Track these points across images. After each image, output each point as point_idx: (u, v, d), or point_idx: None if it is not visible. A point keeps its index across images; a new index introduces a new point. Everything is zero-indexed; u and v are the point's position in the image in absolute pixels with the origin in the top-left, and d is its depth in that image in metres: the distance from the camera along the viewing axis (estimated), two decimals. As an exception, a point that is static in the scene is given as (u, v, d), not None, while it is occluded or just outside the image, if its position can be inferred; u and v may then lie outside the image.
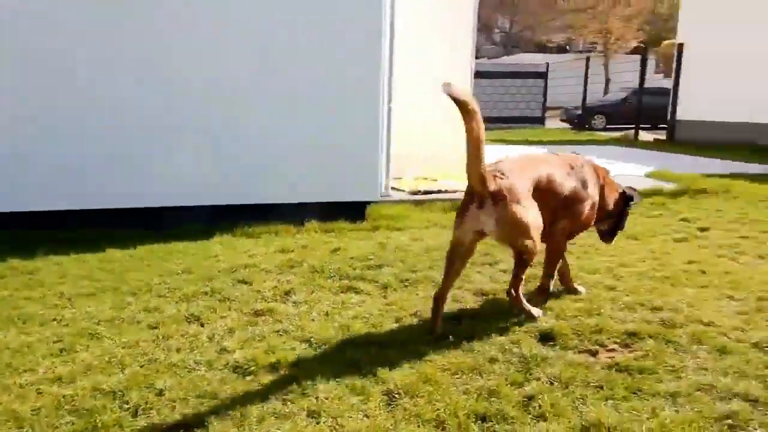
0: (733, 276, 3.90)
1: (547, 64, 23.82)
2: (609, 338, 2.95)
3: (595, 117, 24.64)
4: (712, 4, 14.67)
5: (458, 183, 7.20)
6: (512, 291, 3.12)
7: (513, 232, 3.01)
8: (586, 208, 3.42)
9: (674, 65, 15.49)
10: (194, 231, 5.23)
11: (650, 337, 2.94)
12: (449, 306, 3.36)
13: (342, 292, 3.73)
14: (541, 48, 42.56)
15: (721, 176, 7.70)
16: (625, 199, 3.69)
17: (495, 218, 2.97)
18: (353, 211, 5.91)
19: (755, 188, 6.83)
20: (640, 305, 3.37)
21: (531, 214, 3.04)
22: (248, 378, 2.62)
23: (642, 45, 27.59)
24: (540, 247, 3.15)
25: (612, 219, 3.70)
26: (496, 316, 3.26)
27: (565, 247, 3.50)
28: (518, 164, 3.21)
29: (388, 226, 5.63)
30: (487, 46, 54.60)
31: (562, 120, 25.94)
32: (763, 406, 2.32)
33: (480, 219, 3.01)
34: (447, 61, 7.72)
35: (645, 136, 17.09)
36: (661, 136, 16.60)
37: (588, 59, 21.37)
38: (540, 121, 23.39)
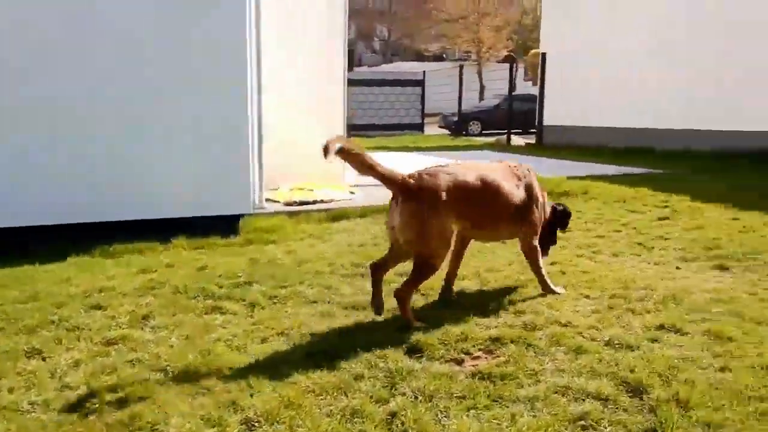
0: (590, 275, 4.09)
1: (424, 72, 24.43)
2: (474, 345, 2.98)
3: (471, 123, 25.60)
4: (570, 17, 15.67)
5: (335, 192, 7.16)
6: (401, 295, 3.13)
7: (407, 232, 3.05)
8: (537, 213, 3.64)
9: (539, 73, 16.35)
10: (45, 253, 4.80)
11: (512, 341, 2.99)
12: (316, 324, 3.29)
13: (206, 314, 3.54)
14: (419, 56, 43.72)
15: (582, 178, 8.16)
16: (555, 213, 3.92)
17: (399, 214, 2.99)
18: (225, 226, 5.68)
19: (611, 189, 7.29)
20: (504, 310, 3.44)
21: (435, 221, 3.04)
22: (90, 417, 2.38)
23: (511, 54, 29.02)
24: (441, 260, 3.20)
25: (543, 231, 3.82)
26: (365, 330, 3.21)
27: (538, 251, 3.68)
28: (458, 169, 3.26)
29: (261, 240, 5.46)
30: (367, 54, 55.38)
31: (440, 126, 26.71)
32: (613, 404, 2.42)
33: (392, 215, 3.05)
34: (321, 71, 7.66)
35: (518, 140, 17.91)
36: (533, 140, 17.45)
37: (461, 67, 22.10)
38: (419, 127, 23.92)
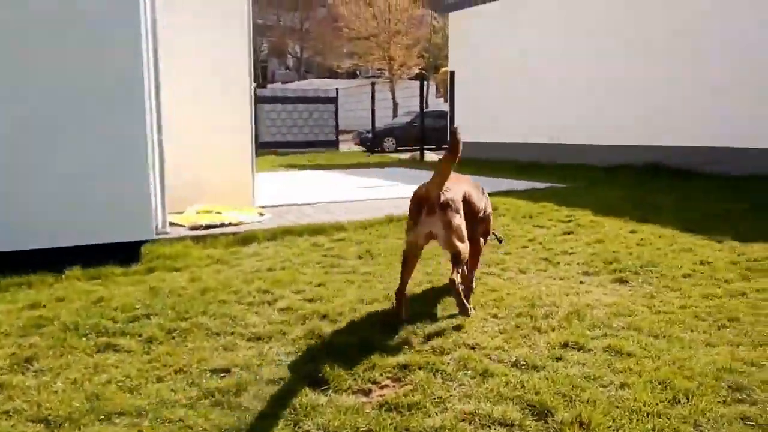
0: (497, 293, 4.13)
1: (337, 89, 24.47)
2: (382, 374, 2.91)
3: (386, 139, 25.85)
4: (474, 36, 16.18)
5: (244, 214, 6.96)
6: (456, 285, 3.49)
7: (450, 234, 3.53)
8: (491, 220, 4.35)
9: (448, 91, 16.71)
10: None
11: (420, 368, 2.95)
12: (217, 359, 3.13)
13: (98, 352, 3.29)
14: (333, 73, 43.84)
15: (491, 194, 8.30)
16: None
17: (441, 222, 3.53)
18: (125, 253, 5.38)
19: (518, 205, 7.46)
20: (413, 334, 3.40)
21: (463, 222, 3.64)
22: (-46, 483, 2.14)
23: (422, 72, 29.57)
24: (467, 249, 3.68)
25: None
26: (269, 362, 3.08)
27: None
28: (454, 183, 3.75)
29: (164, 267, 5.20)
30: (280, 71, 55.05)
31: (356, 143, 26.83)
32: (518, 429, 2.40)
33: (431, 223, 3.54)
34: (226, 89, 7.45)
35: (431, 156, 18.15)
36: (444, 156, 17.72)
37: (373, 84, 22.31)
38: (334, 144, 23.89)
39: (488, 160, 14.47)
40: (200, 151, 7.31)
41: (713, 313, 3.64)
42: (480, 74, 15.82)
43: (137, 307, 4.00)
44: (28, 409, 2.64)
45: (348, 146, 26.71)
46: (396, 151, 24.63)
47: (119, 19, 5.30)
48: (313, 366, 2.98)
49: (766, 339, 3.19)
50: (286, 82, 43.42)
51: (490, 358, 3.06)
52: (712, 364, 2.90)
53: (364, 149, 24.70)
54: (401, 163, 16.94)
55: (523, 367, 2.96)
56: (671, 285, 4.28)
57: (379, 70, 37.58)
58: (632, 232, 5.97)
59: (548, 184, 9.63)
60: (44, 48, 5.13)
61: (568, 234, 6.05)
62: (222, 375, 2.97)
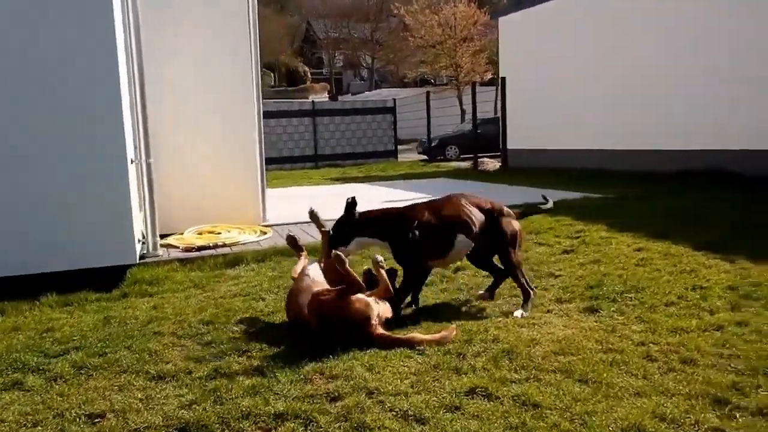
0: (444, 326, 3.78)
1: (394, 99, 24.35)
2: (253, 423, 2.68)
3: (449, 147, 25.43)
4: (525, 42, 15.56)
5: (243, 235, 6.90)
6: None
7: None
8: None
9: (500, 97, 16.19)
10: None
11: (297, 416, 2.69)
12: (100, 402, 3.00)
13: (3, 390, 3.25)
14: (404, 83, 43.75)
15: (513, 207, 7.85)
16: None
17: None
18: (108, 278, 5.42)
19: (531, 219, 6.96)
20: (319, 373, 3.14)
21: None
22: None
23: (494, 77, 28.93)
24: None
25: None
26: (147, 406, 2.91)
27: None
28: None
29: (139, 293, 5.19)
30: (354, 82, 55.65)
31: (419, 152, 26.56)
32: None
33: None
34: (233, 108, 7.42)
35: (493, 164, 17.48)
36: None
37: (428, 93, 22.06)
38: (393, 154, 23.75)
39: (543, 168, 13.86)
40: (204, 172, 7.33)
41: (669, 353, 3.17)
42: (533, 80, 15.19)
43: (74, 338, 3.96)
44: None
45: (412, 155, 26.52)
46: (458, 159, 24.19)
47: (92, 39, 5.29)
48: (188, 413, 2.79)
49: (706, 389, 2.71)
50: (356, 94, 43.81)
51: (381, 406, 2.76)
52: (623, 420, 2.47)
53: (426, 157, 24.42)
54: (454, 173, 16.53)
55: (409, 418, 2.64)
56: (644, 315, 3.79)
57: (450, 77, 37.18)
58: (638, 250, 5.42)
59: (581, 195, 9.01)
60: (11, 65, 5.15)
61: (568, 253, 5.57)
62: (96, 420, 2.83)
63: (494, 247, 4.21)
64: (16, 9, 5.11)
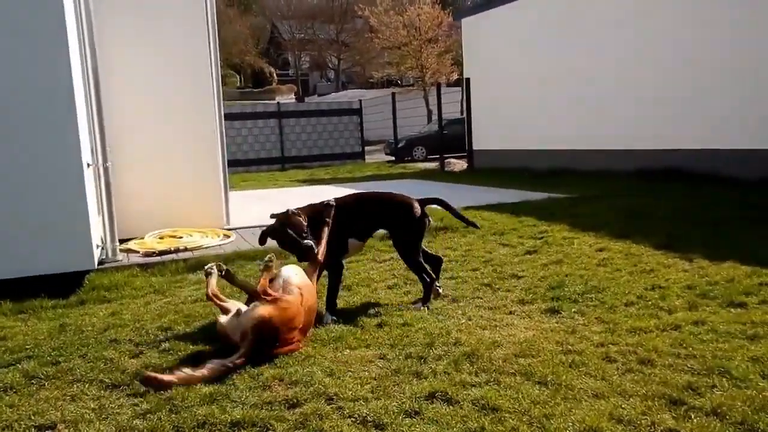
0: (406, 328, 3.76)
1: (360, 100, 24.31)
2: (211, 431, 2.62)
3: (416, 148, 25.49)
4: (486, 42, 15.68)
5: (205, 238, 6.79)
6: None
7: None
8: None
9: (464, 98, 16.28)
10: None
11: (253, 424, 2.64)
12: (51, 413, 2.90)
13: (-49, 402, 3.13)
14: (370, 84, 43.78)
15: (477, 209, 7.91)
16: None
17: None
18: (66, 284, 5.27)
19: (494, 221, 7.05)
20: (278, 380, 3.09)
21: None
22: None
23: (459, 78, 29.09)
24: None
25: None
26: (103, 419, 2.82)
27: None
28: None
29: (97, 299, 5.06)
30: (321, 83, 55.48)
31: (386, 153, 26.57)
32: None
33: None
34: (192, 111, 7.30)
35: (460, 164, 17.56)
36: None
37: (394, 95, 22.12)
38: (360, 156, 23.71)
39: (507, 168, 13.98)
40: (165, 175, 7.20)
41: (628, 354, 3.20)
42: (496, 80, 15.31)
43: (27, 347, 3.84)
44: None
45: (379, 156, 26.51)
46: (426, 159, 24.25)
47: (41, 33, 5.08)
48: (143, 423, 2.72)
49: (662, 391, 2.73)
50: (322, 95, 43.67)
51: (340, 412, 2.73)
52: (581, 423, 2.48)
53: (394, 158, 24.42)
54: (421, 174, 16.55)
55: (368, 424, 2.61)
56: (604, 316, 3.83)
57: (417, 78, 37.31)
58: (600, 250, 5.49)
59: (546, 195, 9.10)
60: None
61: (530, 254, 5.61)
62: (46, 432, 2.74)
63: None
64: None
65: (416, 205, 4.32)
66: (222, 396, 2.94)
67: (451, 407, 2.72)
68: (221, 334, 3.58)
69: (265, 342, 3.30)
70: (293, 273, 3.74)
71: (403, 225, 4.30)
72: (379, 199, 4.53)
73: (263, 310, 3.34)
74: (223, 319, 3.64)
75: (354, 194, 4.74)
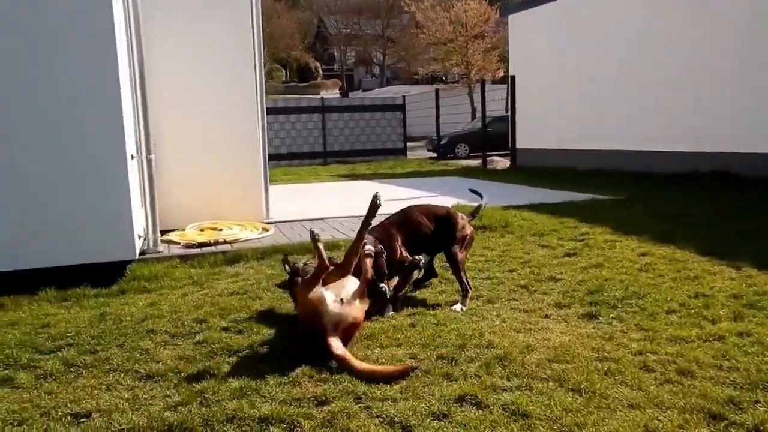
0: (439, 328, 3.72)
1: (404, 96, 24.25)
2: (237, 427, 2.64)
3: (459, 145, 25.36)
4: (535, 39, 15.43)
5: (245, 231, 6.87)
6: None
7: None
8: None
9: (509, 96, 16.07)
10: None
11: (281, 421, 2.65)
12: (88, 401, 2.97)
13: (-7, 386, 3.23)
14: (416, 80, 43.61)
15: (517, 208, 7.80)
16: None
17: None
18: (108, 274, 5.40)
19: (534, 221, 6.92)
20: (308, 377, 3.09)
21: None
22: None
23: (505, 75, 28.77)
24: None
25: None
26: (136, 409, 2.87)
27: None
28: None
29: (137, 289, 5.16)
30: (366, 79, 55.59)
31: (428, 149, 26.49)
32: None
33: None
34: (235, 105, 7.39)
35: (503, 162, 17.38)
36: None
37: (437, 90, 21.93)
38: (402, 152, 23.67)
39: (551, 168, 13.76)
40: (206, 168, 7.31)
41: (667, 364, 3.09)
42: (543, 79, 15.06)
43: (69, 335, 3.94)
44: None
45: (420, 153, 26.44)
46: (468, 157, 24.09)
47: (91, 38, 5.23)
48: (174, 415, 2.76)
49: (701, 404, 2.63)
50: (366, 90, 43.74)
51: (368, 412, 2.71)
52: (613, 435, 2.41)
53: (436, 155, 24.33)
54: (463, 171, 16.44)
55: (396, 425, 2.59)
56: (644, 323, 3.71)
57: (461, 75, 37.07)
58: (642, 254, 5.33)
59: (588, 196, 8.91)
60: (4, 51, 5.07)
61: (570, 256, 5.49)
62: (81, 420, 2.80)
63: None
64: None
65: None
66: (252, 391, 2.96)
67: (480, 411, 2.68)
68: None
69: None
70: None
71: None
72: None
73: None
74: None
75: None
